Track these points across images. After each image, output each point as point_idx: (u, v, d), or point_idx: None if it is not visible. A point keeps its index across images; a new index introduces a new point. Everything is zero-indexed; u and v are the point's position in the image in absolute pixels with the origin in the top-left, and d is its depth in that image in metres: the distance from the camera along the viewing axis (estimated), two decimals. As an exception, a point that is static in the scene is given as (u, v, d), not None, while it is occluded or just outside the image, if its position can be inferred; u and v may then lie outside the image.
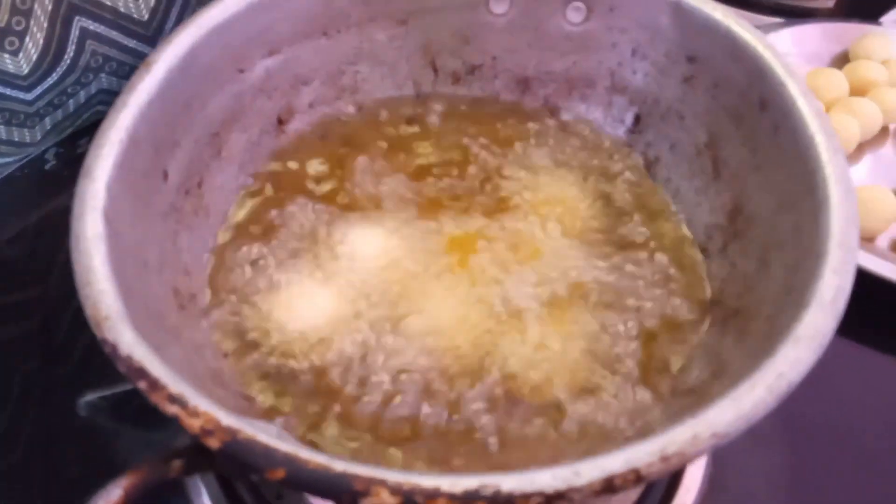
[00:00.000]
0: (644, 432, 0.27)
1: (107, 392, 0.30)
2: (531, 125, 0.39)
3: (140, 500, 0.20)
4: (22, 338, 0.44)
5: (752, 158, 0.32)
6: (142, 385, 0.21)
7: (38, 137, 0.54)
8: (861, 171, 0.54)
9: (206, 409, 0.21)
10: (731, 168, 0.34)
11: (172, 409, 0.21)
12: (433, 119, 0.40)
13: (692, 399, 0.27)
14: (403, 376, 0.29)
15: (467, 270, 0.33)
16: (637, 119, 0.38)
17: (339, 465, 0.20)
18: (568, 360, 0.29)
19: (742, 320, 0.28)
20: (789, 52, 0.56)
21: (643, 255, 0.34)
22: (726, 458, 0.38)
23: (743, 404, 0.21)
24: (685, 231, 0.35)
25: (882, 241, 0.49)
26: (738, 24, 0.33)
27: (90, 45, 0.53)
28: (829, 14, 0.64)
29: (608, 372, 0.29)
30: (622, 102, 0.39)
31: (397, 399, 0.28)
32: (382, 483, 0.19)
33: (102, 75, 0.56)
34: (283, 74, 0.37)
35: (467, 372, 0.29)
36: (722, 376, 0.26)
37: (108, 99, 0.56)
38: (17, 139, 0.53)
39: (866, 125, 0.54)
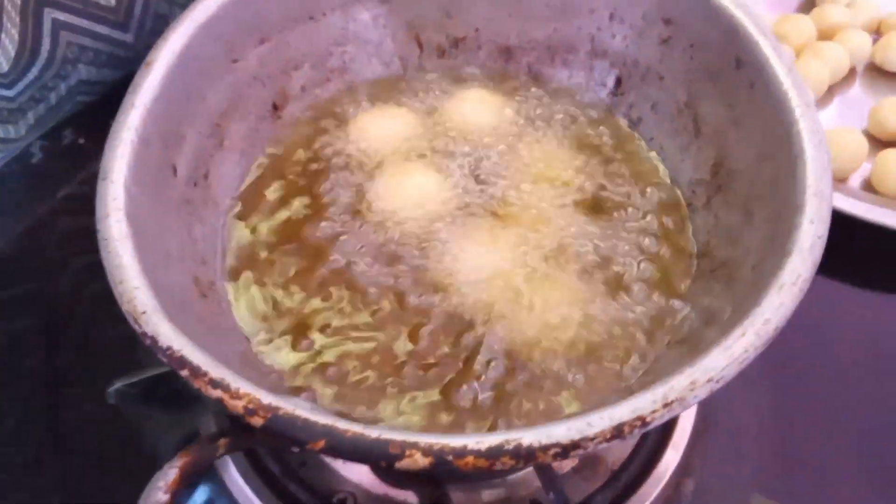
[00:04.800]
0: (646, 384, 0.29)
1: (134, 379, 0.32)
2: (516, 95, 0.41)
3: (193, 478, 0.22)
4: (26, 332, 0.45)
5: (730, 114, 0.34)
6: (184, 373, 0.23)
7: (23, 132, 0.54)
8: (831, 113, 0.56)
9: (248, 391, 0.23)
10: (710, 125, 0.35)
11: (216, 393, 0.23)
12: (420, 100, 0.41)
13: (686, 347, 0.29)
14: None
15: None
16: (619, 81, 0.40)
17: (374, 432, 0.22)
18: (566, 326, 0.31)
19: (729, 270, 0.31)
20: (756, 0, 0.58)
21: (631, 215, 0.35)
22: (716, 395, 0.41)
23: (734, 350, 0.23)
24: (671, 189, 0.36)
25: (854, 181, 0.51)
26: (711, -15, 0.35)
27: (64, 35, 0.53)
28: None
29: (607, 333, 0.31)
30: (603, 66, 0.40)
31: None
32: (415, 445, 0.21)
33: (80, 66, 0.56)
34: (275, 61, 0.38)
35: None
36: (713, 324, 0.28)
37: (89, 89, 0.57)
38: (1, 136, 0.53)
39: (835, 68, 0.56)
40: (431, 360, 0.30)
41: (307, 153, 0.38)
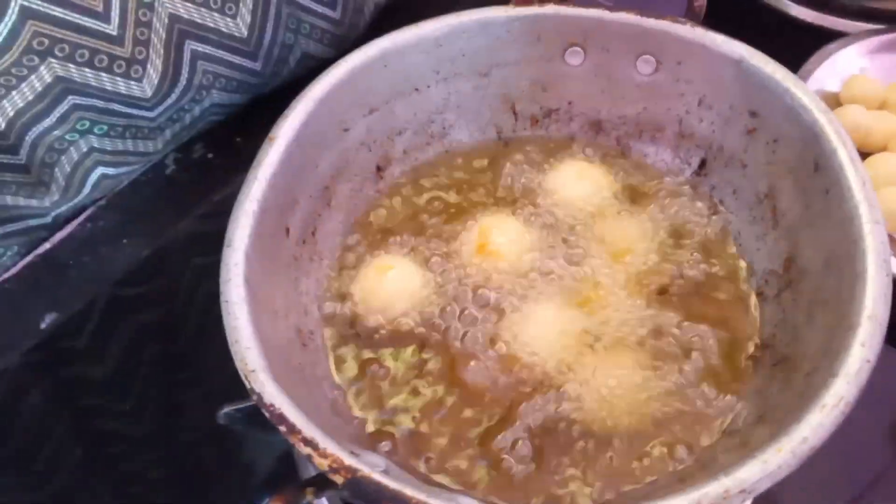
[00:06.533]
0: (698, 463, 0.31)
1: (241, 405, 0.37)
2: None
3: (283, 520, 0.27)
4: (150, 325, 0.51)
5: (805, 214, 0.35)
6: (282, 429, 0.27)
7: (160, 147, 0.61)
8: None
9: (333, 451, 0.27)
10: (787, 220, 0.37)
11: (307, 450, 0.27)
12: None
13: (736, 440, 0.31)
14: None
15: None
16: (703, 163, 0.42)
17: (436, 501, 0.25)
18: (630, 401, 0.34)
19: (788, 369, 0.32)
20: (865, 66, 0.57)
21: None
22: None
23: (769, 466, 0.25)
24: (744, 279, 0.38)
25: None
26: (797, 86, 0.36)
27: (201, 65, 0.59)
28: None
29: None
30: (689, 147, 0.42)
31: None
32: (470, 518, 0.25)
33: (214, 91, 0.61)
34: (381, 128, 0.42)
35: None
36: (766, 422, 0.30)
37: (219, 111, 0.63)
38: (141, 150, 0.59)
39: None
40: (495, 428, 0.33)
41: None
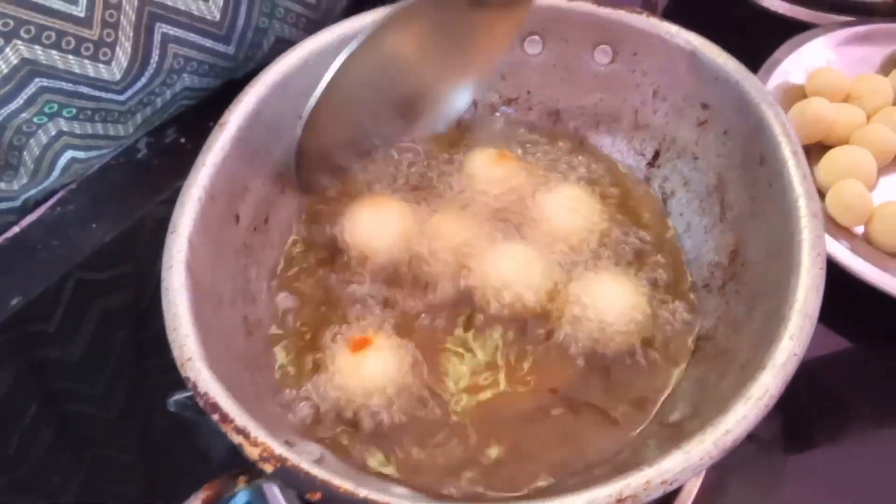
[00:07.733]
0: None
1: (190, 393, 0.37)
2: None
3: (214, 507, 0.27)
4: (120, 308, 0.51)
5: (751, 206, 0.36)
6: (215, 417, 0.28)
7: (131, 131, 0.60)
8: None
9: (264, 440, 0.27)
10: (734, 212, 0.37)
11: (238, 439, 0.27)
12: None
13: (672, 431, 0.31)
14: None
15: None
16: (656, 154, 0.42)
17: (363, 492, 0.26)
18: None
19: (725, 362, 0.32)
20: (832, 59, 0.57)
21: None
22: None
23: (691, 456, 0.26)
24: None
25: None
26: (747, 78, 0.36)
27: (171, 48, 0.58)
28: (890, 11, 0.63)
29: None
30: (644, 137, 0.42)
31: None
32: (394, 508, 0.25)
33: (185, 75, 0.61)
34: (338, 115, 0.42)
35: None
36: (698, 416, 0.31)
37: (191, 95, 0.62)
38: (112, 134, 0.59)
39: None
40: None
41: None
